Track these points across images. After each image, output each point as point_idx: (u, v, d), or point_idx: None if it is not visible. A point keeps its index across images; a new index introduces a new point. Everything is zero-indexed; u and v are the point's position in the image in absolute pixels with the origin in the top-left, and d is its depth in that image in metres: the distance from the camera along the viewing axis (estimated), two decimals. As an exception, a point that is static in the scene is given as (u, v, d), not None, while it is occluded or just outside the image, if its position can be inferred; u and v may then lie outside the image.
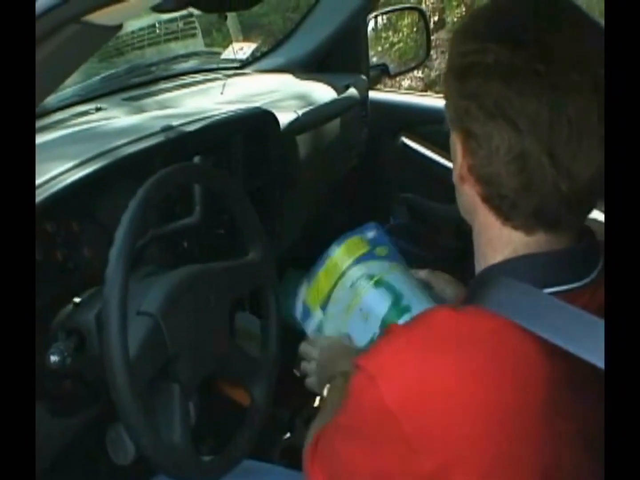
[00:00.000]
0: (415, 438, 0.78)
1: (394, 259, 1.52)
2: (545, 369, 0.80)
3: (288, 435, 1.90)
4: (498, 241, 0.88)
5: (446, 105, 0.90)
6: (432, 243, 1.65)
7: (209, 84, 2.10)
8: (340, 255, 1.54)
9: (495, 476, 0.79)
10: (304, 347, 1.47)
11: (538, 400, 0.80)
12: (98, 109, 1.74)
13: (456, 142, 0.88)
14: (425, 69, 6.03)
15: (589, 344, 0.75)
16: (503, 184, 0.83)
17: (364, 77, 2.37)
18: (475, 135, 0.84)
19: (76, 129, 1.56)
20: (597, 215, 1.32)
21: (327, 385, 1.34)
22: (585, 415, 0.83)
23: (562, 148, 0.79)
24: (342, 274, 1.50)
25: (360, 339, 1.41)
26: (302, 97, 2.09)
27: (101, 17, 0.91)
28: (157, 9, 1.02)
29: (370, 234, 1.57)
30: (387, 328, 0.89)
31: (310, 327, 1.53)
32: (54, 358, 1.11)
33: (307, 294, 1.57)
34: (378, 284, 1.42)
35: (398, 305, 1.38)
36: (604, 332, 0.72)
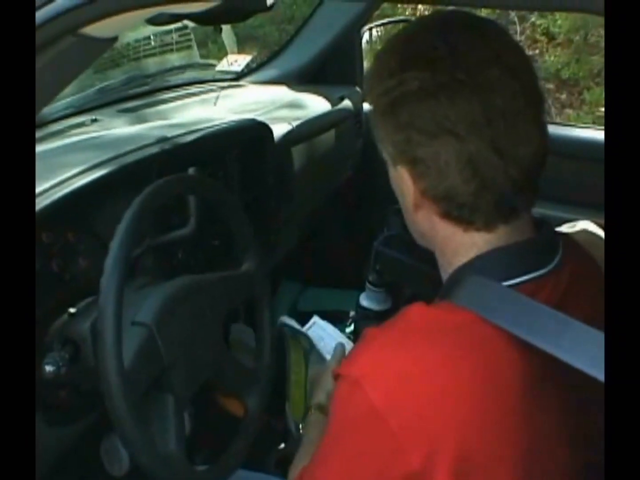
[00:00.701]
0: (402, 434, 0.79)
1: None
2: (515, 361, 0.82)
3: (282, 445, 1.90)
4: (462, 247, 0.91)
5: (382, 147, 0.94)
6: (426, 254, 1.65)
7: (204, 96, 2.11)
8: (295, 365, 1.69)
9: (475, 462, 0.80)
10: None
11: (511, 391, 0.82)
12: (94, 121, 1.74)
13: (401, 176, 0.91)
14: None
15: (547, 335, 0.78)
16: (460, 193, 0.86)
17: (358, 88, 2.38)
18: (422, 160, 0.87)
19: (72, 140, 1.57)
20: (587, 224, 1.34)
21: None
22: (562, 407, 0.87)
23: (503, 139, 0.83)
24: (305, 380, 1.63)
25: None
26: (297, 109, 2.10)
27: (97, 29, 0.92)
28: (152, 21, 1.03)
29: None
30: (362, 334, 0.91)
31: None
32: (49, 368, 1.11)
33: (292, 411, 1.67)
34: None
35: None
36: (562, 324, 0.77)
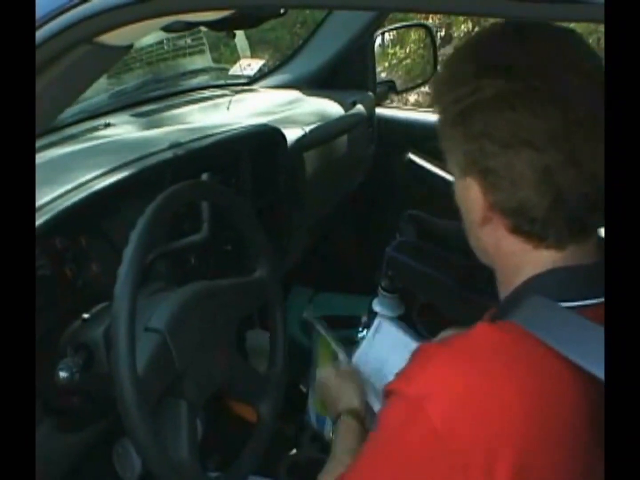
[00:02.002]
0: (463, 453, 0.77)
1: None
2: (577, 386, 0.79)
3: (294, 451, 1.90)
4: (528, 265, 0.88)
5: (448, 157, 0.91)
6: (440, 260, 1.65)
7: (216, 101, 2.11)
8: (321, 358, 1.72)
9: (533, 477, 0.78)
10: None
11: (571, 414, 0.80)
12: (107, 125, 1.75)
13: (469, 188, 0.88)
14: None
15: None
16: (533, 206, 0.83)
17: (371, 93, 2.38)
18: (495, 170, 0.84)
19: (85, 144, 1.57)
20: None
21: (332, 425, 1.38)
22: None
23: (582, 152, 0.80)
24: None
25: None
26: (310, 114, 2.10)
27: (112, 37, 0.92)
28: (167, 29, 1.04)
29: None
30: (415, 350, 0.88)
31: (328, 431, 1.63)
32: (63, 374, 1.12)
33: (315, 405, 1.68)
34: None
35: None
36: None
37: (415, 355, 0.87)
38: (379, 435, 0.87)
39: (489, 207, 0.87)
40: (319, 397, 1.46)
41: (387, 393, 0.85)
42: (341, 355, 1.64)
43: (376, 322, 1.70)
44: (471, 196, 0.88)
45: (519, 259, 0.89)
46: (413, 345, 1.53)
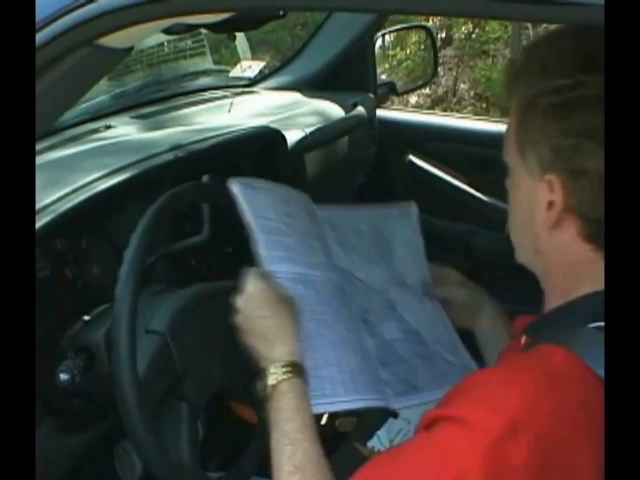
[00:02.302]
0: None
1: None
2: None
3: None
4: (589, 278, 0.84)
5: (529, 149, 0.86)
6: (439, 262, 1.65)
7: (217, 102, 2.12)
8: None
9: None
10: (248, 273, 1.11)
11: None
12: (108, 127, 1.75)
13: (542, 186, 0.84)
14: (433, 86, 6.04)
15: None
16: None
17: (371, 95, 2.38)
18: (588, 172, 0.79)
19: (86, 147, 1.57)
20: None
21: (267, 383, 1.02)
22: None
23: None
24: None
25: None
26: (310, 116, 2.10)
27: (113, 40, 0.92)
28: (168, 31, 1.04)
29: None
30: (473, 376, 0.83)
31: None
32: (63, 376, 1.12)
33: None
34: None
35: None
36: None
37: (476, 382, 0.82)
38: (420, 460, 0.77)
39: (566, 209, 0.83)
40: (243, 323, 1.07)
41: (444, 418, 0.78)
42: None
43: None
44: (545, 195, 0.84)
45: (582, 270, 0.86)
46: None
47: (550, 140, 0.82)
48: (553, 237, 0.87)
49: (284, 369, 1.01)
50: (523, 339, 0.98)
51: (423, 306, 1.32)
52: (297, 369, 1.01)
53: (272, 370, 1.01)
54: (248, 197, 1.17)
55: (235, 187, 1.17)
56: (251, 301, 1.07)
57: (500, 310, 1.28)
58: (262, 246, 1.13)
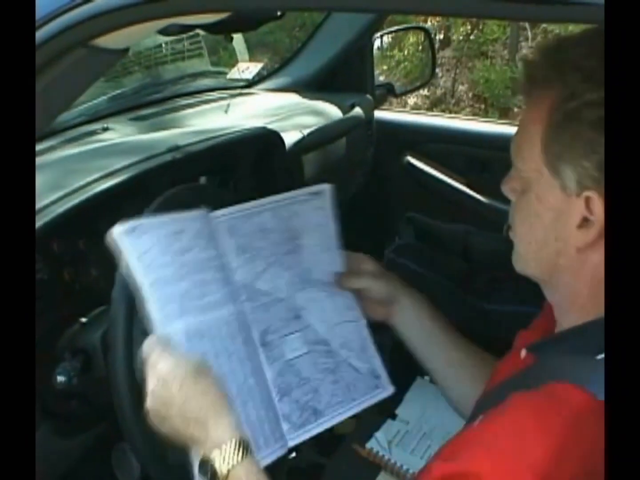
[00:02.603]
0: None
1: None
2: None
3: (293, 455, 1.89)
4: None
5: (564, 162, 0.82)
6: (438, 263, 1.65)
7: (215, 104, 2.11)
8: None
9: None
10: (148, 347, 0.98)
11: None
12: (105, 129, 1.75)
13: (572, 203, 0.82)
14: (431, 87, 6.05)
15: None
16: None
17: (369, 96, 2.38)
18: None
19: (83, 148, 1.57)
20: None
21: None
22: None
23: None
24: None
25: None
26: (308, 117, 2.10)
27: (108, 41, 0.92)
28: (164, 32, 1.04)
29: None
30: (482, 423, 0.80)
31: None
32: (60, 378, 1.12)
33: None
34: None
35: None
36: None
37: (492, 426, 0.79)
38: None
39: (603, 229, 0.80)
40: (161, 410, 0.94)
41: (459, 476, 0.74)
42: None
43: None
44: (580, 212, 0.81)
45: None
46: None
47: (597, 155, 0.78)
48: (583, 256, 0.84)
49: (234, 451, 0.88)
50: (523, 354, 0.97)
51: (333, 301, 1.25)
52: (245, 445, 0.89)
53: (218, 455, 0.88)
54: (133, 245, 1.02)
55: (118, 235, 1.01)
56: (167, 383, 0.93)
57: (419, 297, 1.23)
58: (154, 307, 1.01)
